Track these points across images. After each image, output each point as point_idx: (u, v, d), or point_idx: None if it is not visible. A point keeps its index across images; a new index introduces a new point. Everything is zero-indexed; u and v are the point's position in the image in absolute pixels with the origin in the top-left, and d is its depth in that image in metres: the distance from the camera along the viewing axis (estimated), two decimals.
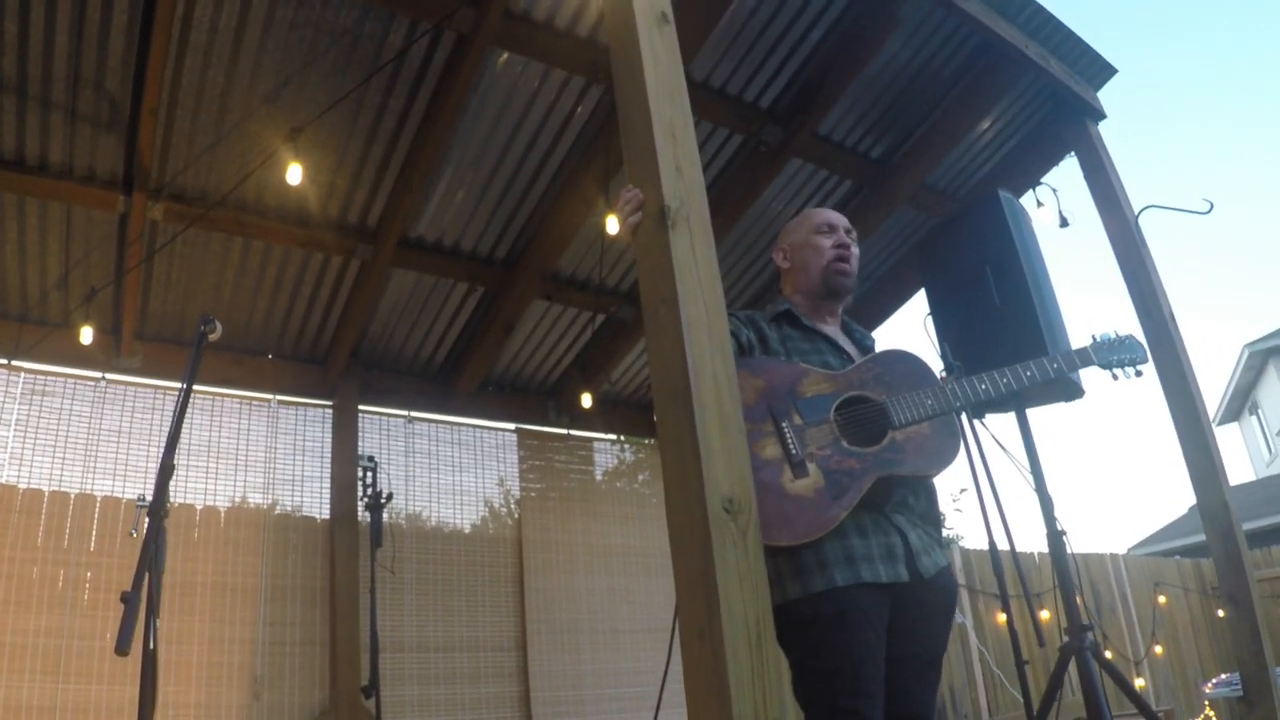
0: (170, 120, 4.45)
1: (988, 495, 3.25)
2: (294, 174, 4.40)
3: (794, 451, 2.38)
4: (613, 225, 4.98)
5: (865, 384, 2.59)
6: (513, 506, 6.84)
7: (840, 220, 2.93)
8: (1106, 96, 5.34)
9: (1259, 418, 24.06)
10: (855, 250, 2.90)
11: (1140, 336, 3.03)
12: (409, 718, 5.78)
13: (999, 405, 4.00)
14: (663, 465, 2.02)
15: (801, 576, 2.32)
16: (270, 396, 6.05)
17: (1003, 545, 3.26)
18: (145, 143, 4.43)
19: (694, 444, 1.89)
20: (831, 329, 2.85)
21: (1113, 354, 2.98)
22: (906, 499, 2.56)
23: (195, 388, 5.55)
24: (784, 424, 2.43)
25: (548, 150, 5.09)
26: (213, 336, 3.18)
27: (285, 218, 5.13)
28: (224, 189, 4.79)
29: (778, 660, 1.85)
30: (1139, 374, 3.02)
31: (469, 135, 4.87)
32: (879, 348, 2.84)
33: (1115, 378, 3.04)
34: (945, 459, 2.56)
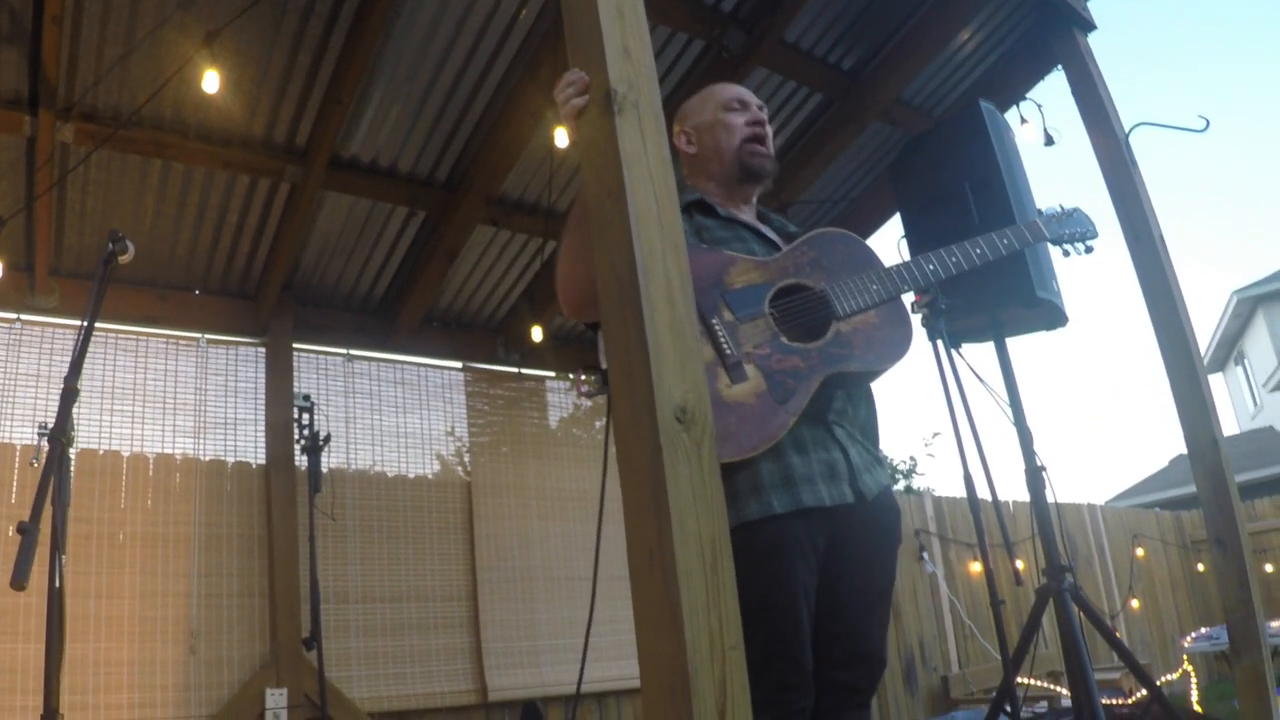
0: (76, 30, 4.26)
1: (964, 428, 3.18)
2: (211, 81, 4.25)
3: (729, 352, 2.21)
4: (562, 139, 4.87)
5: (801, 270, 2.42)
6: (461, 449, 6.77)
7: (751, 96, 2.73)
8: (1097, 6, 5.25)
9: (1245, 368, 24.30)
10: (770, 130, 2.71)
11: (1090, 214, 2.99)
12: (354, 669, 5.74)
13: (976, 334, 3.97)
14: (609, 374, 1.93)
15: (735, 502, 2.14)
16: (198, 335, 5.91)
17: (981, 486, 3.18)
18: (50, 56, 4.25)
19: (643, 348, 1.80)
20: (749, 217, 2.66)
21: (1062, 228, 2.92)
22: (847, 407, 2.41)
23: (118, 328, 5.54)
24: (713, 321, 2.24)
25: (490, 57, 4.94)
26: (124, 258, 3.04)
27: (207, 137, 4.96)
28: (139, 105, 4.62)
29: (734, 586, 1.76)
30: (1089, 250, 2.98)
31: (403, 41, 4.72)
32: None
33: (1066, 254, 2.98)
34: (898, 350, 2.41)
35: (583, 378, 2.26)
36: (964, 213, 3.76)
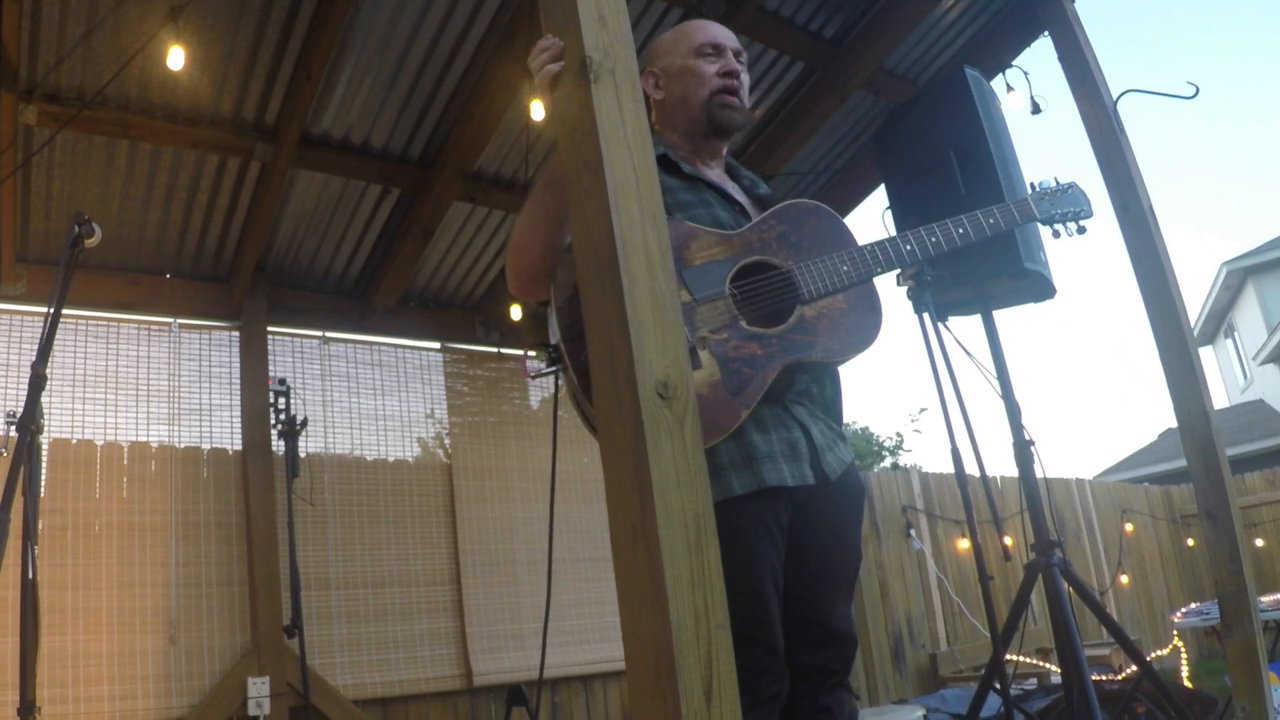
0: (37, 7, 4.19)
1: (952, 403, 3.16)
2: (176, 58, 4.20)
3: None
4: (539, 112, 4.83)
5: (767, 246, 2.30)
6: (441, 431, 6.75)
7: (728, 39, 2.57)
8: None
9: (1235, 341, 24.29)
10: (746, 79, 2.55)
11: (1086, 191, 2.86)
12: (337, 657, 5.73)
13: (963, 307, 3.96)
14: (589, 349, 1.92)
15: None
16: (170, 320, 5.87)
17: (969, 462, 3.17)
18: (9, 34, 4.18)
19: (623, 322, 1.79)
20: (716, 174, 2.52)
21: (1055, 206, 2.79)
22: (810, 387, 2.32)
23: (89, 314, 5.49)
24: None
25: (464, 28, 4.89)
26: (90, 241, 3.01)
27: (174, 116, 4.91)
28: (103, 85, 4.56)
29: (719, 563, 1.75)
30: (1082, 230, 2.85)
31: (374, 13, 4.67)
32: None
33: (1057, 235, 2.84)
34: (865, 339, 2.30)
35: (530, 355, 2.21)
36: (950, 182, 3.74)
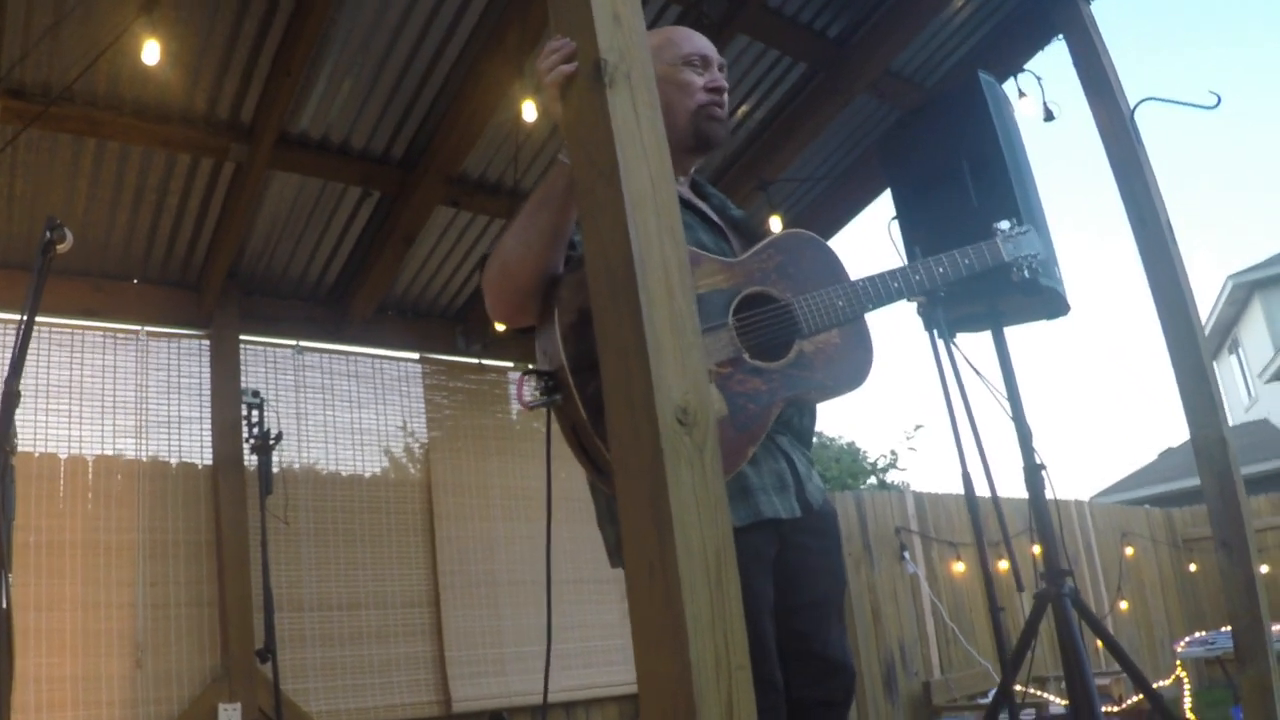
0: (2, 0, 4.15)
1: (961, 422, 3.15)
2: (150, 52, 4.15)
3: None
4: (530, 112, 4.80)
5: (766, 277, 2.33)
6: (419, 446, 6.70)
7: (714, 52, 2.55)
8: None
9: (1239, 357, 24.26)
10: (727, 99, 2.54)
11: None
12: (311, 681, 5.68)
13: (973, 323, 3.93)
14: (603, 372, 1.87)
15: None
16: (138, 327, 5.81)
17: (978, 481, 3.15)
18: None
19: (640, 344, 1.74)
20: (687, 193, 2.52)
21: (1018, 250, 2.81)
22: (792, 418, 2.38)
23: (53, 320, 5.43)
24: None
25: (451, 24, 4.86)
26: (62, 246, 2.94)
27: (144, 113, 4.85)
28: (70, 80, 4.51)
29: (740, 599, 1.72)
30: (1034, 272, 2.86)
31: (357, 7, 4.63)
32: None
33: (1014, 279, 2.84)
34: (858, 376, 2.37)
35: (526, 388, 2.17)
36: (961, 193, 3.69)
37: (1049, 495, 3.73)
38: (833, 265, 2.45)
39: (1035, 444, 3.76)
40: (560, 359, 2.11)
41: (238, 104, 5.00)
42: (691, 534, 1.69)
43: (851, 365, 2.36)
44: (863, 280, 2.43)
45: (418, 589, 6.28)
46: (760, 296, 2.31)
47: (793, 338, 2.29)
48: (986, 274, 2.74)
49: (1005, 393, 3.80)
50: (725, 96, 2.53)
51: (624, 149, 1.86)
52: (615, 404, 1.83)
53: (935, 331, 3.12)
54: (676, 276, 1.84)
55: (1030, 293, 3.59)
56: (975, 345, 3.84)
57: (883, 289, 2.44)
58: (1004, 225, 2.86)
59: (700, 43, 2.56)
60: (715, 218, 2.51)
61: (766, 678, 2.12)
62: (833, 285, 2.38)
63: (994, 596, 3.27)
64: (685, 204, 2.41)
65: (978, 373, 3.55)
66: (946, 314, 3.11)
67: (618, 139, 1.86)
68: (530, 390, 2.16)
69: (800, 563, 2.29)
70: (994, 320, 3.85)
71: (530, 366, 2.22)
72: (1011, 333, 3.88)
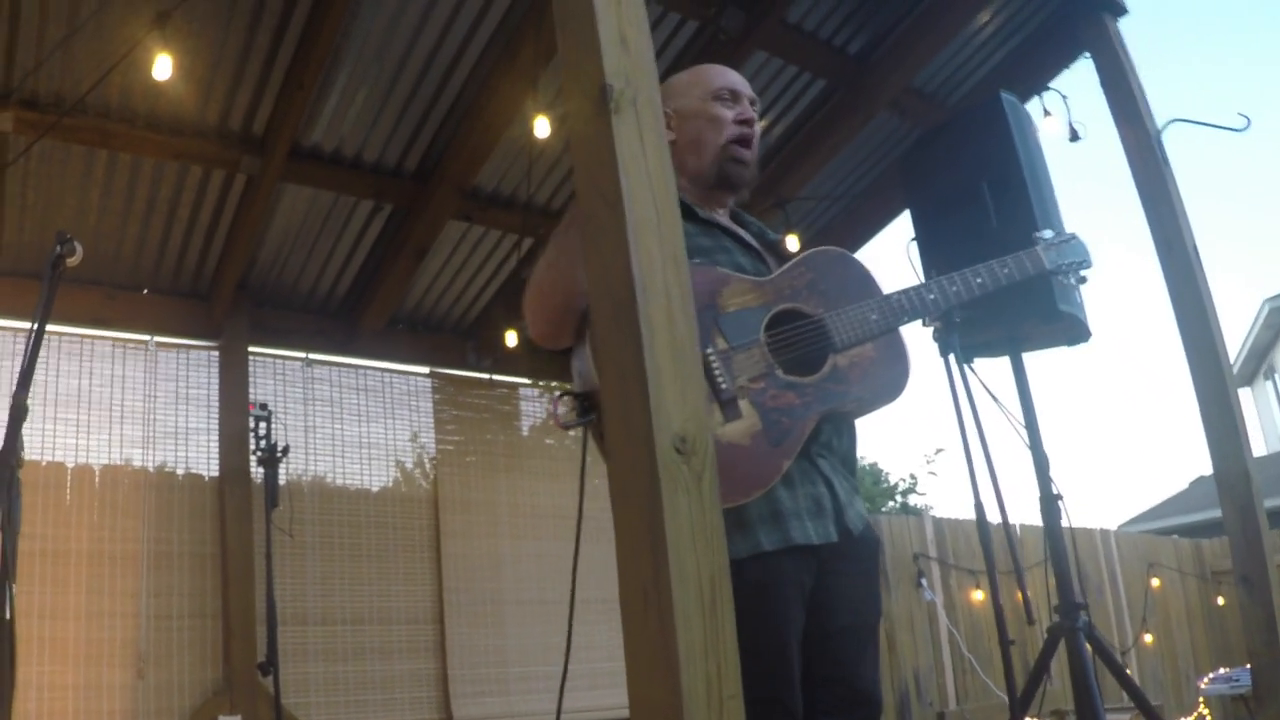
0: (15, 9, 4.20)
1: (976, 450, 3.15)
2: (163, 67, 4.20)
3: (724, 386, 2.14)
4: (543, 128, 4.84)
5: (798, 294, 2.34)
6: (427, 461, 6.73)
7: (746, 87, 2.58)
8: None
9: (1275, 383, 23.98)
10: (758, 129, 2.57)
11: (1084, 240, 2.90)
12: (313, 696, 5.70)
13: (991, 348, 3.93)
14: (603, 398, 1.90)
15: None
16: (147, 337, 5.87)
17: (991, 511, 3.16)
18: None
19: (640, 371, 1.76)
20: (726, 220, 2.55)
21: (1061, 257, 2.81)
22: (831, 439, 2.35)
23: (62, 329, 5.48)
24: (707, 350, 2.15)
25: (465, 37, 4.91)
26: (71, 260, 2.98)
27: (156, 125, 4.91)
28: (83, 92, 4.57)
29: (734, 628, 1.73)
30: (1083, 280, 2.92)
31: (371, 19, 4.68)
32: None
33: (1056, 289, 2.91)
34: (895, 388, 2.37)
35: (560, 410, 2.21)
36: (981, 215, 3.68)
37: (1065, 524, 3.72)
38: (864, 279, 2.46)
39: (1053, 473, 3.75)
40: (594, 380, 2.13)
41: (250, 117, 5.06)
42: (687, 561, 1.70)
43: (888, 378, 2.36)
44: (896, 293, 2.44)
45: (422, 605, 6.30)
46: (792, 313, 2.33)
47: (826, 352, 2.30)
48: (1027, 283, 2.75)
49: (1023, 420, 3.80)
50: (756, 129, 2.56)
51: (628, 175, 1.87)
52: (614, 430, 1.85)
53: (951, 356, 3.13)
54: (678, 304, 1.86)
55: (1052, 319, 3.60)
56: (994, 371, 3.85)
57: (918, 301, 2.45)
58: (1046, 234, 2.86)
59: (732, 78, 2.59)
60: (754, 243, 2.53)
61: (786, 703, 2.13)
62: (865, 299, 2.40)
63: (1004, 629, 3.24)
64: (724, 230, 2.48)
65: (995, 399, 3.55)
66: (964, 339, 3.12)
67: (621, 165, 1.87)
68: (565, 411, 2.19)
69: (838, 588, 2.27)
70: (1013, 346, 3.83)
71: (567, 387, 2.25)
72: (1039, 357, 3.86)
